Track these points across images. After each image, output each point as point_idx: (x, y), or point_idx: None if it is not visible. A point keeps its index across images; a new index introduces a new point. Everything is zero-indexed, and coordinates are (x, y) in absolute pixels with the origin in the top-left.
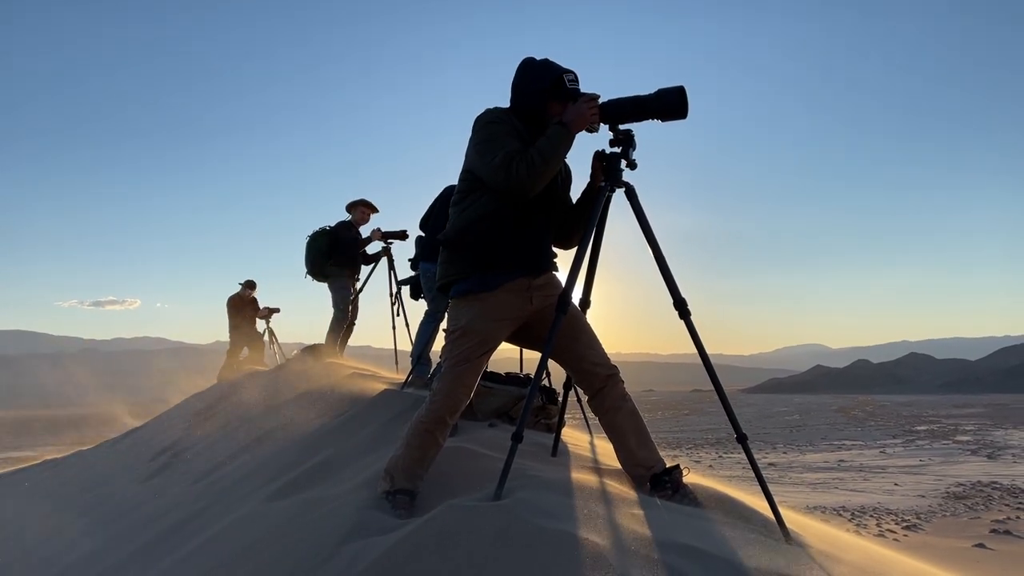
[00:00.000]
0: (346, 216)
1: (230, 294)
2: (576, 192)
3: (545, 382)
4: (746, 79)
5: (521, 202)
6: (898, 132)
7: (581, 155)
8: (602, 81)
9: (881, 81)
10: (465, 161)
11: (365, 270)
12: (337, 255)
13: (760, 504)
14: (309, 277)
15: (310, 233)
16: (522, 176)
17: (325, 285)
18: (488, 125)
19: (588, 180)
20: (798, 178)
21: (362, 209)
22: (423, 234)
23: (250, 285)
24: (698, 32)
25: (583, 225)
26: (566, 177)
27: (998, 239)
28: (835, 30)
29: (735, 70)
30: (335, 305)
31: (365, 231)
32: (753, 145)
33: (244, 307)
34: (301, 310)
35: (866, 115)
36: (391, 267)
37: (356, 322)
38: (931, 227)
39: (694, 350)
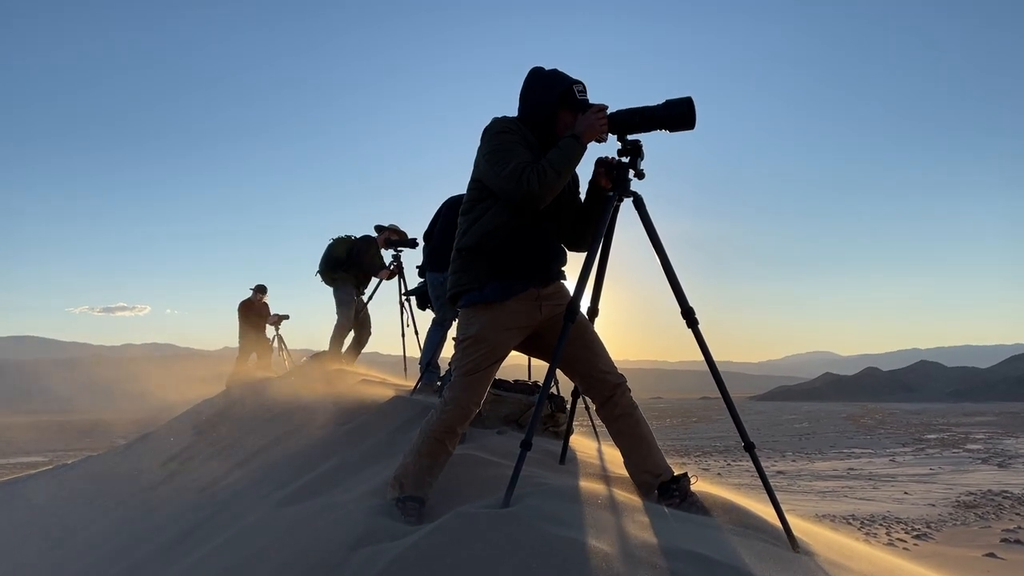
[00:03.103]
0: (371, 231)
1: (241, 299)
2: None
3: (553, 390)
4: (754, 85)
5: (532, 211)
6: (907, 138)
7: (588, 162)
8: (609, 90)
9: (890, 86)
10: (474, 170)
11: (374, 280)
12: (349, 265)
13: (768, 512)
14: (319, 277)
15: (334, 237)
16: (533, 187)
17: (331, 290)
18: (498, 135)
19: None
20: (806, 184)
21: (388, 236)
22: (423, 244)
23: (261, 289)
24: (704, 39)
25: (591, 228)
26: (574, 183)
27: (1008, 246)
28: (843, 35)
29: (743, 76)
30: (338, 311)
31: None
32: (760, 151)
33: (255, 311)
34: (310, 317)
35: (874, 121)
36: (400, 275)
37: (371, 331)
38: (941, 234)
39: (703, 357)
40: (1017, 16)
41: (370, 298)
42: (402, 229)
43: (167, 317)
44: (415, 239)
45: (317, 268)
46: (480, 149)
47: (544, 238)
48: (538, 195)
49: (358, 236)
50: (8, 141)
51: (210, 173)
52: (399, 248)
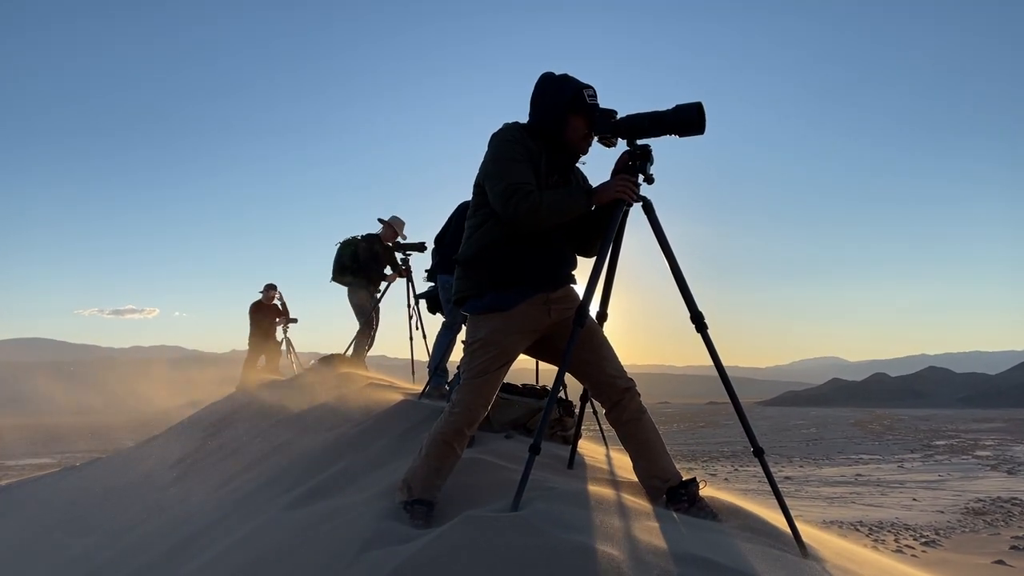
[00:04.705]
0: (375, 226)
1: (251, 302)
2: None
3: (561, 394)
4: (765, 88)
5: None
6: (915, 143)
7: (597, 165)
8: (614, 94)
9: (898, 88)
10: (479, 174)
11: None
12: (358, 267)
13: (776, 518)
14: (334, 283)
15: (340, 241)
16: (521, 214)
17: (344, 291)
18: (501, 144)
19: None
20: (814, 189)
21: (392, 227)
22: (434, 247)
23: (271, 288)
24: (716, 43)
25: (601, 234)
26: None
27: (1017, 251)
28: (857, 41)
29: (754, 77)
30: (356, 316)
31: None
32: (767, 156)
33: (266, 312)
34: (317, 320)
35: (883, 125)
36: (409, 279)
37: (376, 334)
38: (949, 239)
39: (710, 362)
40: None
41: (380, 298)
42: (402, 219)
43: (176, 320)
44: (423, 243)
45: (331, 274)
46: (486, 155)
47: (551, 245)
48: (521, 223)
49: (362, 236)
50: (19, 143)
51: (220, 176)
52: (408, 252)
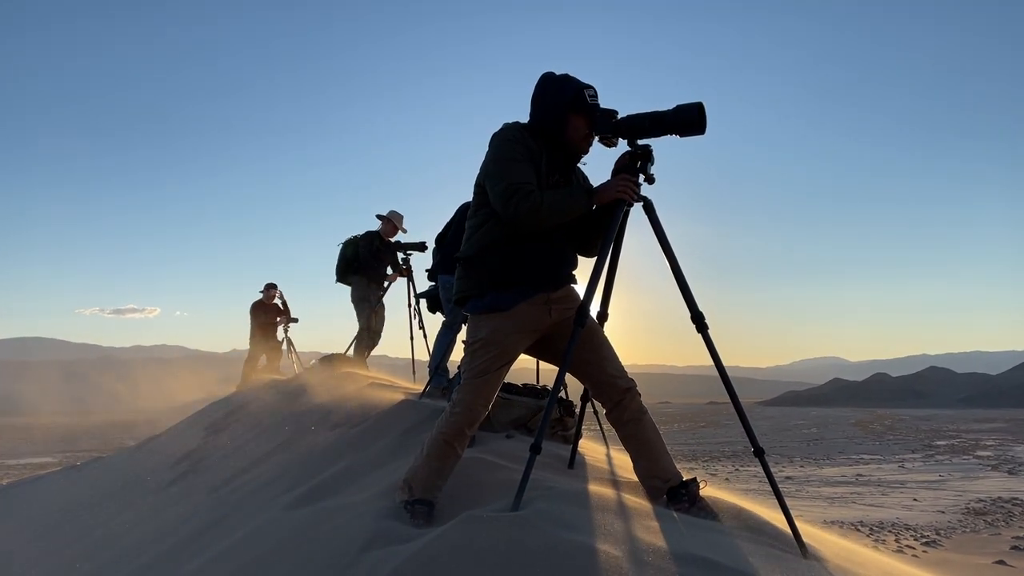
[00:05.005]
0: (375, 225)
1: (252, 301)
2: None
3: (562, 394)
4: (765, 88)
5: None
6: (915, 145)
7: (598, 165)
8: (622, 88)
9: (900, 92)
10: (479, 174)
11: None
12: (359, 266)
13: (777, 518)
14: (339, 284)
15: (341, 242)
16: (522, 214)
17: (348, 291)
18: (502, 144)
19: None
20: (815, 189)
21: (391, 222)
22: (435, 247)
23: (271, 287)
24: (716, 43)
25: (602, 234)
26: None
27: (1019, 250)
28: (857, 41)
29: (754, 77)
30: (357, 317)
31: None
32: (768, 155)
33: (267, 312)
34: (318, 320)
35: (884, 124)
36: (410, 279)
37: (381, 332)
38: (951, 240)
39: (710, 362)
40: None
41: (383, 294)
42: (400, 213)
43: (177, 319)
44: (424, 243)
45: (335, 276)
46: (487, 155)
47: (552, 245)
48: (522, 222)
49: (361, 235)
50: (19, 143)
51: (220, 176)
52: (408, 251)
